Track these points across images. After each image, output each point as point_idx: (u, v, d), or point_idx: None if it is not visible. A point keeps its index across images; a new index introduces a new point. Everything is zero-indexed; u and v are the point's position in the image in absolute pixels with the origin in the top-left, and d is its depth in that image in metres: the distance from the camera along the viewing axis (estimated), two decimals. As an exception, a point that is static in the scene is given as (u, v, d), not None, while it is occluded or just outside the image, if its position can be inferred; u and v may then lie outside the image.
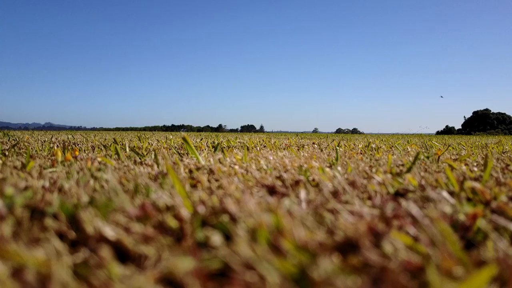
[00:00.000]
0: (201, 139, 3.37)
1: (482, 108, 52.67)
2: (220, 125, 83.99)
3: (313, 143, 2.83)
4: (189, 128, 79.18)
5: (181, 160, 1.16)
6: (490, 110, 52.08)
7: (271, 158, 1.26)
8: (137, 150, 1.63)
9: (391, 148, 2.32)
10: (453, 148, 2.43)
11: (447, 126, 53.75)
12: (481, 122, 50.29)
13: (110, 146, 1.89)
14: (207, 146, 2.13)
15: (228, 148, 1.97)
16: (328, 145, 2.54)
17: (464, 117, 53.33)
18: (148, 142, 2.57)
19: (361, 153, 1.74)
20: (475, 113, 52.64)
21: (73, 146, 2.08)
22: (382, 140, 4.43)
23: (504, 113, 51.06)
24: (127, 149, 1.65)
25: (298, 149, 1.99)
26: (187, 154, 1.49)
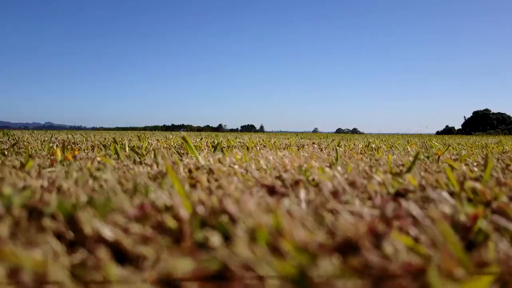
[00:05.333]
0: (201, 139, 3.37)
1: (482, 108, 52.61)
2: (220, 125, 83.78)
3: (313, 143, 2.82)
4: (189, 128, 79.02)
5: (181, 160, 1.16)
6: (490, 110, 52.08)
7: (271, 158, 1.25)
8: (136, 149, 1.63)
9: (391, 148, 2.32)
10: (453, 148, 2.43)
11: (447, 126, 53.75)
12: (481, 122, 50.29)
13: (110, 145, 1.89)
14: (207, 146, 2.13)
15: (228, 148, 1.96)
16: (328, 145, 2.54)
17: (464, 117, 53.30)
18: (148, 142, 2.57)
19: (361, 153, 1.74)
20: (475, 113, 52.64)
21: (73, 145, 2.08)
22: (382, 140, 4.43)
23: (504, 113, 51.05)
24: (127, 149, 1.64)
25: (298, 149, 1.98)
26: (187, 153, 1.49)
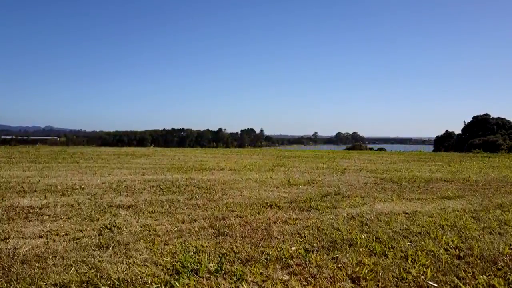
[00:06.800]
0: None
1: (482, 113, 52.65)
2: (220, 129, 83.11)
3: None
4: (189, 132, 78.45)
5: None
6: (490, 115, 52.07)
7: None
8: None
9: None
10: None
11: (447, 131, 53.56)
12: (481, 127, 50.29)
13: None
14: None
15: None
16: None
17: (464, 122, 53.29)
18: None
19: None
20: (475, 118, 52.61)
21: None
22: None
23: (504, 118, 50.95)
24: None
25: None
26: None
